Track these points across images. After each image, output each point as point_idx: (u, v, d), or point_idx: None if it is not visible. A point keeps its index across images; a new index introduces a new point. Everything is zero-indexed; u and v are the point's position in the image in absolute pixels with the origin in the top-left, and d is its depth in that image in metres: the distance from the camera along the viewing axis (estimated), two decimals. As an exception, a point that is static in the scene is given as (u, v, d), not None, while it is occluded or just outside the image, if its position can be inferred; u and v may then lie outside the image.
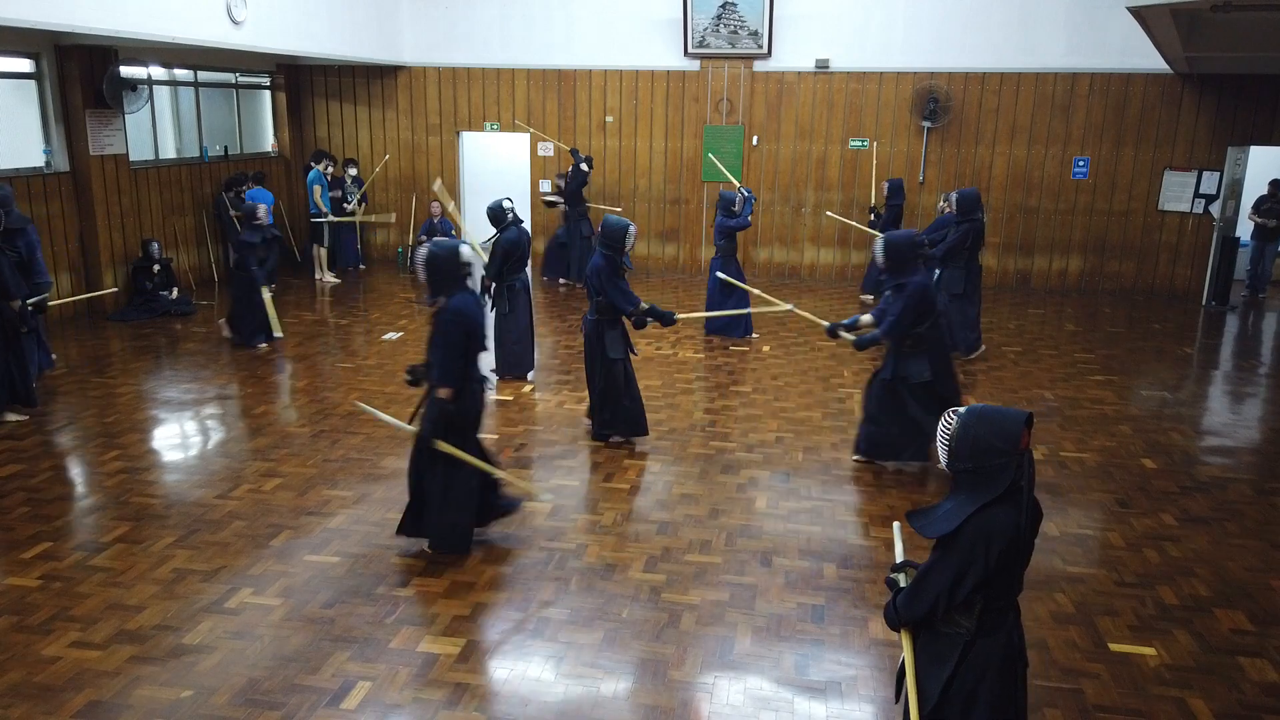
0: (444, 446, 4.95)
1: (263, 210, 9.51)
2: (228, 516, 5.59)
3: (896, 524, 3.54)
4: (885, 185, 11.81)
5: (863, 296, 12.17)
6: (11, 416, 7.11)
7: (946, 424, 2.83)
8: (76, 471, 6.38)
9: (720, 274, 9.54)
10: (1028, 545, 2.82)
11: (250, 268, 9.33)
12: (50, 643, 4.26)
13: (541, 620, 4.53)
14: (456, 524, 5.10)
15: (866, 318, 6.47)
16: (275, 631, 4.39)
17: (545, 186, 13.79)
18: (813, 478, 6.35)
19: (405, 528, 5.20)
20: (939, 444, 2.85)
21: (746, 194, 10.03)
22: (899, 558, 3.25)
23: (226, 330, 9.48)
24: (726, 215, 9.85)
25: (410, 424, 5.09)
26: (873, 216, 12.04)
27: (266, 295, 9.34)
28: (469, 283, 4.98)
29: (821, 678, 4.11)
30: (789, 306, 7.38)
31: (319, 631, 4.40)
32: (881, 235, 6.21)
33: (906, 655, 2.97)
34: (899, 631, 3.03)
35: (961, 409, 2.85)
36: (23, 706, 3.82)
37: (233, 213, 11.01)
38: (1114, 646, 4.39)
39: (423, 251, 4.95)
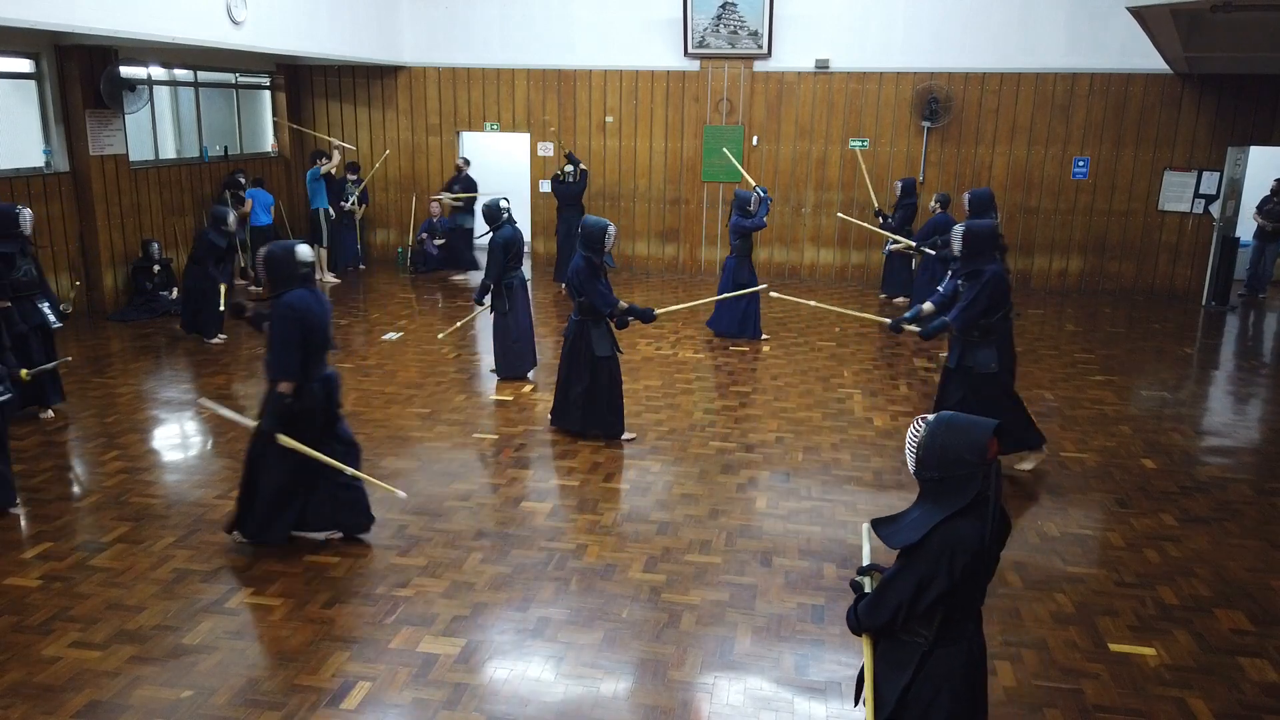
0: (285, 441, 4.95)
1: (232, 218, 9.65)
2: (228, 516, 5.59)
3: (866, 525, 3.54)
4: (898, 185, 11.75)
5: (893, 300, 12.03)
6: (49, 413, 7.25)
7: (915, 431, 2.79)
8: (76, 471, 6.38)
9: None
10: (993, 557, 2.79)
11: (209, 266, 9.47)
12: (50, 643, 4.26)
13: (541, 620, 4.53)
14: (269, 516, 5.11)
15: (928, 306, 6.48)
16: (275, 631, 4.39)
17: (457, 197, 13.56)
18: (813, 478, 6.35)
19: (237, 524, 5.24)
20: (906, 451, 2.82)
21: (762, 194, 9.96)
22: (865, 560, 3.24)
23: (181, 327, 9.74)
24: (742, 215, 9.78)
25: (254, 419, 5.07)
26: (881, 220, 11.87)
27: (223, 288, 9.47)
28: (310, 281, 5.01)
29: (821, 678, 4.11)
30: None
31: (319, 631, 4.40)
32: (962, 222, 6.25)
33: (866, 661, 2.96)
34: (859, 636, 3.01)
35: (930, 416, 2.82)
36: (23, 707, 3.82)
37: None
38: (1114, 646, 4.39)
39: (262, 250, 5.01)
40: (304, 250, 4.97)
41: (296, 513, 5.20)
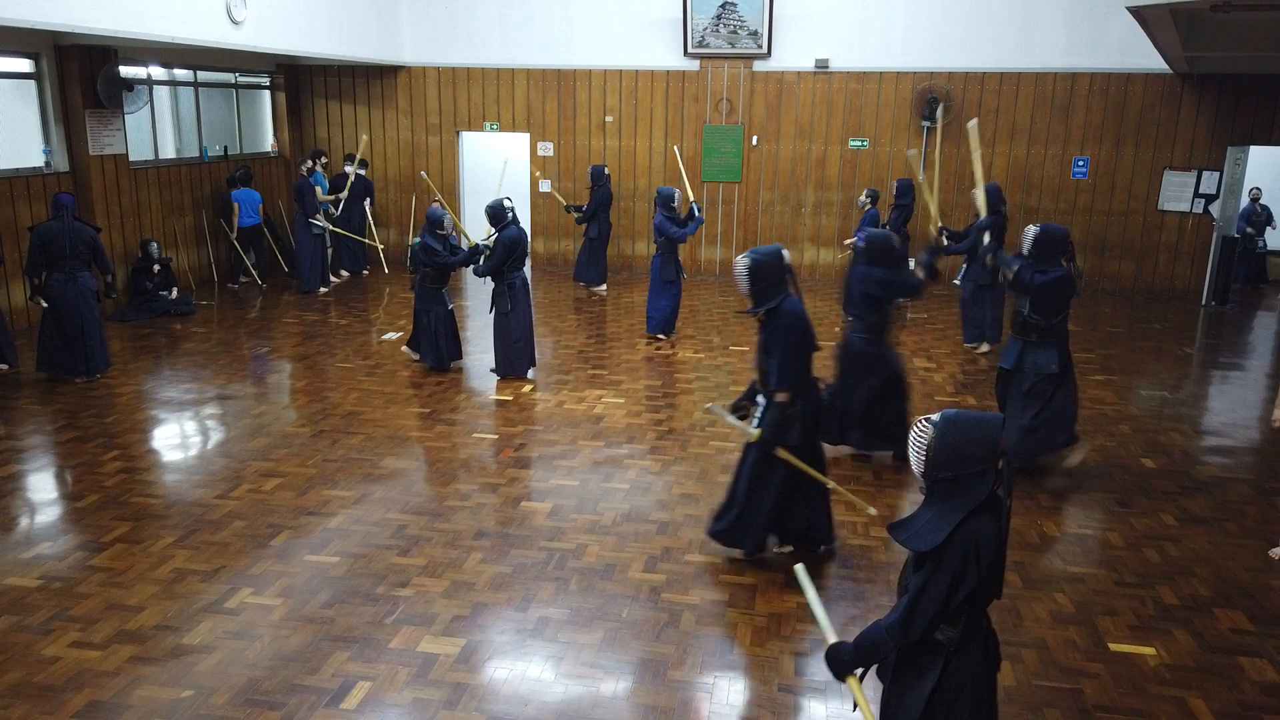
0: (783, 453, 4.86)
1: (448, 221, 8.54)
2: (228, 516, 5.59)
3: (799, 566, 3.33)
4: (894, 185, 11.70)
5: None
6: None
7: (921, 433, 2.73)
8: (76, 471, 6.38)
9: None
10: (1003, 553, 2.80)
11: (428, 283, 8.67)
12: (50, 643, 4.26)
13: (541, 620, 4.53)
14: (750, 522, 5.00)
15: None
16: (275, 631, 4.39)
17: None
18: (813, 478, 6.34)
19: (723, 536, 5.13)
20: (912, 453, 2.75)
21: (696, 211, 9.83)
22: (831, 637, 3.05)
23: (413, 354, 8.96)
24: (666, 212, 9.51)
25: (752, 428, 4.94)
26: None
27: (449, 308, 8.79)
28: (790, 285, 4.85)
29: (821, 678, 4.10)
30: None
31: (319, 631, 4.40)
32: (1036, 225, 6.24)
33: (858, 697, 2.93)
34: (865, 668, 2.94)
35: (934, 416, 2.76)
36: (23, 707, 3.82)
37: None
38: (1114, 646, 4.39)
39: (744, 260, 4.76)
40: (786, 253, 4.85)
41: (777, 523, 5.09)
